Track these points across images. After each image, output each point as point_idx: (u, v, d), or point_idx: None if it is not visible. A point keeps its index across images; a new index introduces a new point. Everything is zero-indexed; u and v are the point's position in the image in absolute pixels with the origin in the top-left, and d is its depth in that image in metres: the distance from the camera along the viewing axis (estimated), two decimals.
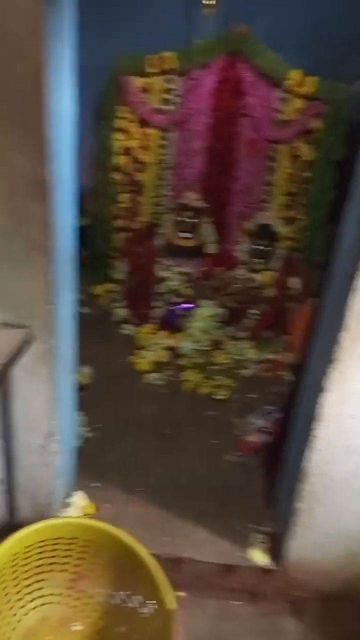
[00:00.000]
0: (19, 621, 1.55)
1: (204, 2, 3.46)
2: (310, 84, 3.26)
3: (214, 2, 3.40)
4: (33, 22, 1.16)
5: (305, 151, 3.43)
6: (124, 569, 1.57)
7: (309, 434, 1.52)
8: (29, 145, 1.27)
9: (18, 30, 1.17)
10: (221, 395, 2.80)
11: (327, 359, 1.43)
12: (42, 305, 1.44)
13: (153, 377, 2.88)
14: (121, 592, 1.59)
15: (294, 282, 3.40)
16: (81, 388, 2.64)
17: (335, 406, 1.45)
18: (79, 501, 1.93)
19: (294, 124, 3.40)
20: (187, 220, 3.58)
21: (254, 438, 2.48)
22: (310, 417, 1.52)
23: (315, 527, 1.69)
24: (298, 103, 3.36)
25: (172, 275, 3.40)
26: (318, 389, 1.47)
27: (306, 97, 3.32)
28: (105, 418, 2.50)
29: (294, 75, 3.27)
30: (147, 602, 1.51)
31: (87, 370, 2.72)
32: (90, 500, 1.97)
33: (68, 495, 1.94)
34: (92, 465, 2.18)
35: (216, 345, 3.26)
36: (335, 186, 3.38)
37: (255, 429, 2.57)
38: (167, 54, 3.29)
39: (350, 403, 1.45)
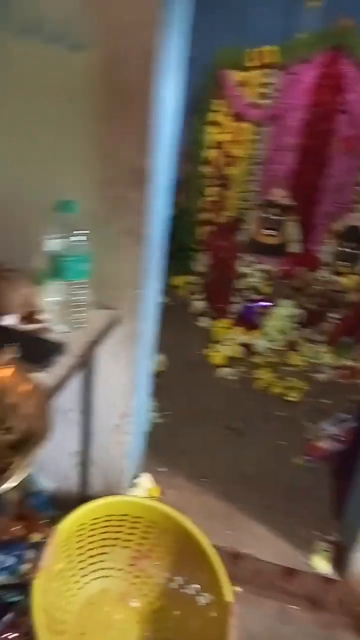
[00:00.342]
0: (79, 588, 1.63)
1: None
2: None
3: None
4: (149, 12, 1.19)
5: None
6: (184, 555, 1.59)
7: None
8: (134, 134, 1.31)
9: (134, 20, 1.20)
10: (293, 396, 2.75)
11: None
12: (131, 290, 1.49)
13: (226, 372, 2.89)
14: (179, 577, 1.62)
15: None
16: (156, 374, 2.70)
17: None
18: (146, 483, 1.98)
19: None
20: (272, 217, 3.52)
21: (325, 444, 2.42)
22: None
23: None
24: None
25: (252, 271, 3.37)
26: None
27: None
28: (176, 406, 2.54)
29: None
30: (204, 591, 1.53)
31: (162, 357, 2.78)
32: (156, 483, 2.02)
33: (136, 475, 2.00)
34: (160, 450, 2.23)
35: (292, 346, 3.19)
36: None
37: (327, 435, 2.50)
38: (267, 47, 3.24)
39: None
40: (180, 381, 2.75)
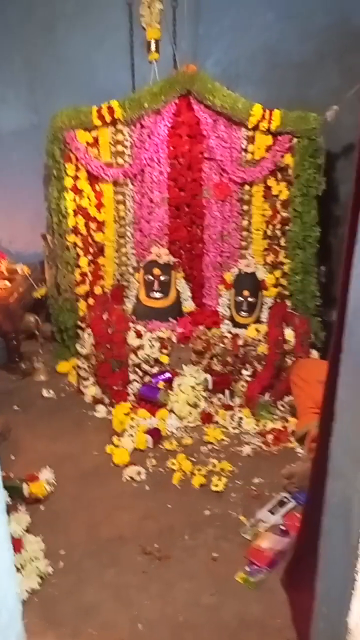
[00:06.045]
0: None
1: (151, 48, 3.23)
2: (275, 118, 2.96)
3: (156, 48, 3.18)
4: None
5: (281, 189, 3.09)
6: None
7: (350, 575, 1.00)
8: None
9: None
10: (219, 485, 2.25)
11: None
12: None
13: (133, 471, 2.34)
14: None
15: (288, 334, 2.94)
16: (37, 501, 2.10)
17: None
18: None
19: (264, 161, 3.07)
20: (157, 278, 3.16)
21: (268, 543, 1.93)
22: (349, 551, 1.01)
23: None
24: (265, 139, 3.05)
25: (146, 342, 2.93)
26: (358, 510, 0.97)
27: (273, 132, 3.01)
28: (71, 539, 1.93)
29: (255, 110, 2.96)
30: None
31: (47, 474, 2.17)
32: None
33: None
34: (55, 616, 1.62)
35: (206, 418, 2.74)
36: (319, 223, 3.01)
37: (267, 528, 2.02)
38: (113, 102, 3.00)
39: None
40: (75, 500, 2.15)
